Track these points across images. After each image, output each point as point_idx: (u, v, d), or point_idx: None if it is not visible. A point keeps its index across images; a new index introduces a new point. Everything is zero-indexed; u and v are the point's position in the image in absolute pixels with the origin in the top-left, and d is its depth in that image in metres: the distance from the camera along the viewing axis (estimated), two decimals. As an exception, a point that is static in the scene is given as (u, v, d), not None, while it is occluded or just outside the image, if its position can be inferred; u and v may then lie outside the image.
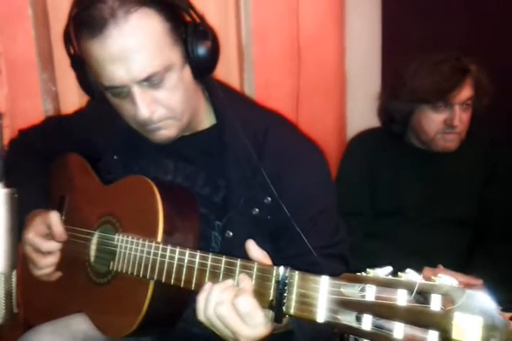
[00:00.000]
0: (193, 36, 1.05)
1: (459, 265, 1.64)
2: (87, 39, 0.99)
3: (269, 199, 1.10)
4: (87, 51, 1.02)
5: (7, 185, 0.80)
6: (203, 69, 1.09)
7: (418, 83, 1.65)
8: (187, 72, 1.08)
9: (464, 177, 1.77)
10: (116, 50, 0.98)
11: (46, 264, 1.15)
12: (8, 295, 0.77)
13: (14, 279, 0.78)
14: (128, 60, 0.98)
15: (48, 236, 1.15)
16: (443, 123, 1.66)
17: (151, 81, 1.02)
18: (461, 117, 1.65)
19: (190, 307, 1.13)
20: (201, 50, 1.06)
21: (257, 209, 1.11)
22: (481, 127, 1.75)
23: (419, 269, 0.69)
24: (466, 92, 1.64)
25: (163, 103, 1.06)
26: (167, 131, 1.10)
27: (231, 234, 1.11)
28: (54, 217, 1.15)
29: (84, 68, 1.09)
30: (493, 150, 1.79)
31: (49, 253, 1.15)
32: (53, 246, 1.15)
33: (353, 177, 1.79)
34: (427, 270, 1.58)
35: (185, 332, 1.17)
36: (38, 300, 1.27)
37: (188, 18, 1.08)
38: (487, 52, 1.89)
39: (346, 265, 1.14)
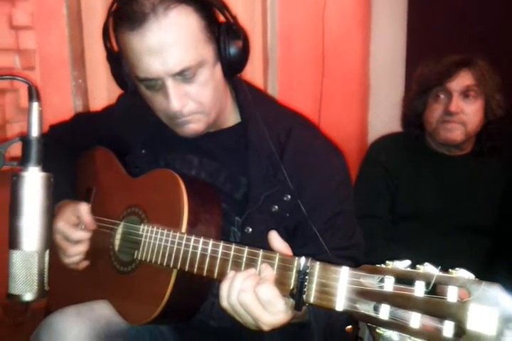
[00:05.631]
0: (225, 35, 1.10)
1: (476, 272, 1.63)
2: (127, 32, 1.04)
3: (289, 196, 1.12)
4: (125, 43, 1.06)
5: (44, 170, 0.85)
6: (233, 67, 1.14)
7: (420, 73, 1.76)
8: (218, 69, 1.12)
9: (485, 184, 1.77)
10: (154, 43, 1.02)
11: (75, 252, 1.19)
12: (41, 272, 0.81)
13: (47, 258, 0.82)
14: (164, 53, 1.03)
15: (77, 226, 1.19)
16: (442, 112, 1.71)
17: (184, 75, 1.06)
18: (461, 105, 1.68)
19: (208, 301, 1.16)
20: (233, 49, 1.10)
21: (276, 206, 1.13)
22: (506, 140, 1.76)
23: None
24: (464, 80, 1.68)
25: (194, 97, 1.10)
26: (195, 125, 1.14)
27: (250, 229, 1.13)
28: (83, 208, 1.18)
29: (119, 61, 1.13)
30: None
31: (78, 242, 1.19)
32: (83, 235, 1.18)
33: (373, 180, 1.80)
34: None
35: (201, 324, 1.20)
36: (61, 286, 1.29)
37: (221, 18, 1.12)
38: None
39: None
